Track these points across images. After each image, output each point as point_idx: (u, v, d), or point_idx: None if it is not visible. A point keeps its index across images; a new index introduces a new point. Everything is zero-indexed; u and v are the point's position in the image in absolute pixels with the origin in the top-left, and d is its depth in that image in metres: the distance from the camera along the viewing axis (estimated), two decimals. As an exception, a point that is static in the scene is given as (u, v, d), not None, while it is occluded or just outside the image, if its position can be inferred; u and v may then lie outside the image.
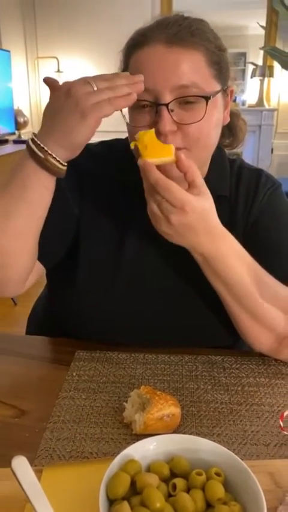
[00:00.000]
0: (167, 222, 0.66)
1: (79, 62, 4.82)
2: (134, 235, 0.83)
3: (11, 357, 0.82)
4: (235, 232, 0.73)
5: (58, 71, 4.84)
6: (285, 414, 0.65)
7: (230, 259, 0.72)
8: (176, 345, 0.83)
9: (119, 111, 0.71)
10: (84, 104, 0.61)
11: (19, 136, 4.40)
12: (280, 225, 0.85)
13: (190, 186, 0.67)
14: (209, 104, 0.70)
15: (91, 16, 4.61)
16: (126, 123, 0.75)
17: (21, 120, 4.42)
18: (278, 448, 0.61)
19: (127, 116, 0.75)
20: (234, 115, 0.87)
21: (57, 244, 0.81)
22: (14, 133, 4.32)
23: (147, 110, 0.71)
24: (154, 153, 0.66)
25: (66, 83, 0.65)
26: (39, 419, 0.66)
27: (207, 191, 0.68)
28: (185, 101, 0.70)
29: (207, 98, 0.70)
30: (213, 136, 0.76)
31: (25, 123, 4.51)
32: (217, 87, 0.74)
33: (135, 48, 0.73)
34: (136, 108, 0.71)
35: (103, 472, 0.45)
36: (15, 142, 4.24)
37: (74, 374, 0.75)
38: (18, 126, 4.39)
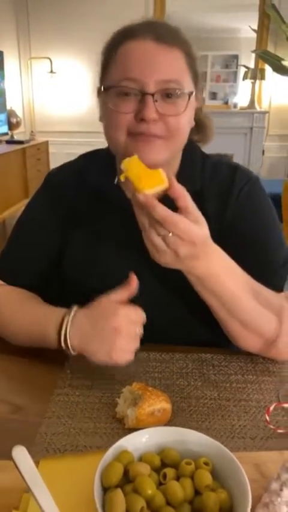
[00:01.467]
0: (174, 254, 0.66)
1: (72, 63, 4.84)
2: (109, 243, 0.88)
3: (6, 354, 0.84)
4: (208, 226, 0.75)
5: (51, 71, 4.85)
6: (271, 409, 0.68)
7: (223, 277, 0.74)
8: (162, 343, 0.85)
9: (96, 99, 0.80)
10: (119, 360, 0.71)
11: (12, 136, 4.41)
12: (262, 219, 0.87)
13: (183, 212, 0.66)
14: (187, 101, 0.76)
15: (84, 17, 4.63)
16: (108, 109, 0.77)
17: (14, 120, 4.43)
18: (264, 441, 0.64)
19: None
20: (197, 110, 0.88)
21: (46, 274, 0.93)
22: (6, 134, 4.33)
23: (132, 98, 0.74)
24: (148, 182, 0.65)
25: (121, 322, 0.71)
26: (35, 414, 0.68)
27: (201, 216, 0.68)
28: (167, 94, 0.74)
29: (190, 94, 0.76)
30: (187, 131, 0.80)
31: (18, 124, 4.52)
32: (193, 88, 0.79)
33: (124, 39, 0.77)
34: (120, 95, 0.75)
35: (97, 463, 0.47)
36: (8, 142, 4.25)
37: (68, 371, 0.77)
38: (11, 126, 4.40)
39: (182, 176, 0.82)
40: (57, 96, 5.01)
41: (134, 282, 0.74)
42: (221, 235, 0.76)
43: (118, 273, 0.87)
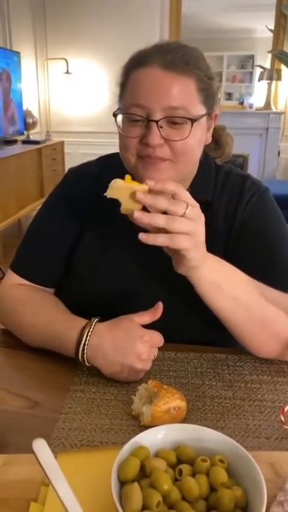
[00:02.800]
0: (200, 223, 0.67)
1: (88, 64, 4.87)
2: (118, 247, 0.90)
3: (23, 351, 0.86)
4: (214, 236, 0.76)
5: (67, 72, 4.89)
6: (286, 409, 0.68)
7: (234, 276, 0.76)
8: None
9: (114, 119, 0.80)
10: (132, 380, 0.76)
11: (28, 136, 4.46)
12: (270, 225, 0.88)
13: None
14: (193, 126, 0.77)
15: (100, 18, 4.65)
16: (119, 132, 0.81)
17: (30, 120, 4.47)
18: (279, 441, 0.64)
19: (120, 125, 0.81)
20: (220, 129, 0.93)
21: (60, 269, 0.94)
22: (22, 134, 4.37)
23: (139, 123, 0.77)
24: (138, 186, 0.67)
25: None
26: (51, 410, 0.70)
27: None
28: (173, 120, 0.76)
29: (192, 121, 0.77)
30: (196, 153, 0.82)
31: (34, 124, 4.57)
32: (203, 111, 0.80)
33: (135, 66, 0.79)
34: (129, 120, 0.78)
35: (113, 458, 0.48)
36: (24, 142, 4.29)
37: (85, 368, 0.78)
38: (27, 126, 4.44)
39: (196, 187, 0.83)
40: (73, 96, 5.04)
41: (159, 311, 0.77)
42: (230, 244, 0.77)
43: (124, 276, 0.89)
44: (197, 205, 0.68)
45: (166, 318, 0.78)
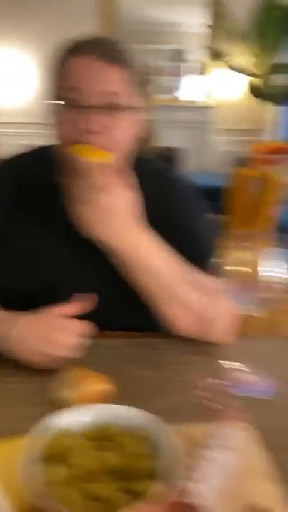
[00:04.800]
0: (95, 203, 0.72)
1: (12, 53, 4.71)
2: (43, 236, 0.90)
3: None
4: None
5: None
6: (203, 386, 0.73)
7: (148, 251, 0.80)
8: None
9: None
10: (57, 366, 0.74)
11: None
12: (192, 219, 0.93)
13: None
14: (130, 115, 0.79)
15: (27, 5, 4.51)
16: (54, 119, 0.80)
17: None
18: (198, 415, 0.68)
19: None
20: (147, 121, 0.94)
21: None
22: None
23: (76, 110, 0.76)
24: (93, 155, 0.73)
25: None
26: None
27: (134, 187, 0.74)
28: (110, 107, 0.77)
29: (130, 109, 0.79)
30: (130, 143, 0.83)
31: None
32: (138, 102, 0.82)
33: (70, 54, 0.79)
34: (65, 106, 0.77)
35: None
36: None
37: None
38: None
39: None
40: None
41: (83, 303, 0.78)
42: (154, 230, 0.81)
43: (51, 269, 0.89)
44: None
45: (96, 306, 0.80)
